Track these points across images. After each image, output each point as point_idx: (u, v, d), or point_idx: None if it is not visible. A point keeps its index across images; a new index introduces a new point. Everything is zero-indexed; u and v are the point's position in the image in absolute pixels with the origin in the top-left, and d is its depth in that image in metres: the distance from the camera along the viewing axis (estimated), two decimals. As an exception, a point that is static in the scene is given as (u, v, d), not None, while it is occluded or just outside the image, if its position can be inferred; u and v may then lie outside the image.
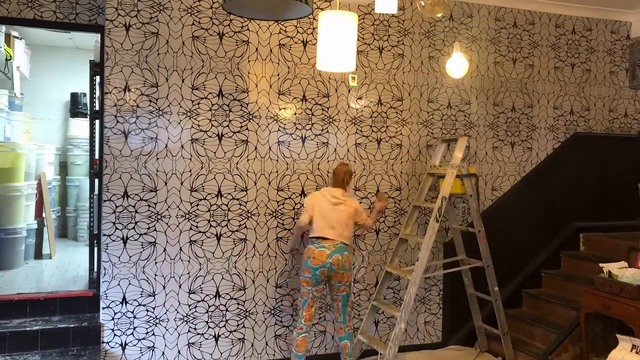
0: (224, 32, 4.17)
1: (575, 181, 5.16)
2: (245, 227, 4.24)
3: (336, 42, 2.29)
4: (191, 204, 4.10)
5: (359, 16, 4.50)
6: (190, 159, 4.10)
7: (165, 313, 4.06)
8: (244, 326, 4.25)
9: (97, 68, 4.57)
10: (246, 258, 4.25)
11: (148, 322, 4.03)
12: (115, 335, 3.96)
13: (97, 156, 4.50)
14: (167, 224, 4.05)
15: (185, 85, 4.09)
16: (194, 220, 4.11)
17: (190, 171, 4.10)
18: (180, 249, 4.08)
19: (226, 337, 4.21)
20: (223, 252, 4.19)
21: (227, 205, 4.19)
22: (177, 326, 4.09)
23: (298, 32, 4.36)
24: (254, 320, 4.28)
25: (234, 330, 4.23)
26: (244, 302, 4.25)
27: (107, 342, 3.95)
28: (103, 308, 3.95)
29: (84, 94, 7.60)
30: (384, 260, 4.59)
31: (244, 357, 4.26)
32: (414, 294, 3.95)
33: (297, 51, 4.35)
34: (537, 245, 5.03)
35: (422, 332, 4.77)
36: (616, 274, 3.66)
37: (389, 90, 4.62)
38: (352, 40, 2.32)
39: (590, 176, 5.21)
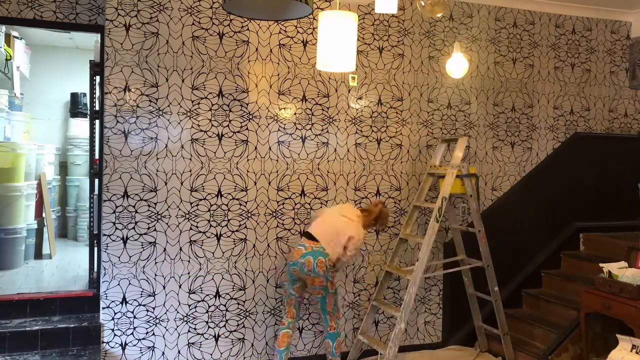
0: (224, 32, 4.17)
1: (575, 181, 5.16)
2: (245, 227, 4.24)
3: (336, 42, 2.29)
4: (191, 204, 4.10)
5: (359, 16, 4.50)
6: (190, 159, 4.10)
7: (165, 313, 4.06)
8: (244, 326, 4.25)
9: (97, 68, 4.57)
10: (246, 258, 4.25)
11: (148, 322, 4.03)
12: (115, 335, 3.96)
13: (97, 156, 4.50)
14: (167, 224, 4.05)
15: (185, 85, 4.09)
16: (194, 220, 4.11)
17: (190, 171, 4.10)
18: (180, 249, 4.08)
19: (226, 337, 4.21)
20: (223, 252, 4.19)
21: (227, 205, 4.19)
22: (177, 326, 4.09)
23: (298, 32, 4.36)
24: (254, 320, 4.28)
25: (234, 330, 4.23)
26: (244, 302, 4.25)
27: (107, 342, 3.95)
28: (103, 308, 3.95)
29: (84, 94, 7.61)
30: (384, 260, 4.59)
31: (244, 357, 4.26)
32: (414, 294, 3.95)
33: (297, 51, 4.35)
34: (537, 245, 5.03)
35: (422, 332, 4.77)
36: (616, 274, 3.66)
37: (389, 90, 4.62)
38: (352, 40, 2.32)
39: (590, 176, 5.21)
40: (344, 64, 2.35)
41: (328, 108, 4.45)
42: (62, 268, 5.57)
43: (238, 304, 4.23)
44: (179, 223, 4.08)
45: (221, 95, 4.17)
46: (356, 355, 4.32)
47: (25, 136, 6.43)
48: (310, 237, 3.86)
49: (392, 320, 4.63)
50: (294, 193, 4.36)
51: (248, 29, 4.23)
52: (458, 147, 4.29)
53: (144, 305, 4.02)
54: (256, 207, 4.26)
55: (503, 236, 4.78)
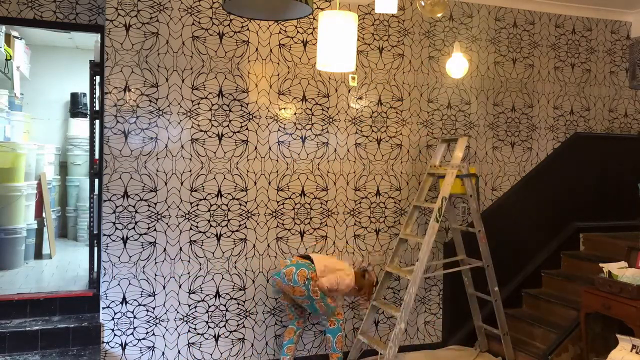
0: (224, 32, 4.17)
1: (575, 181, 5.16)
2: (245, 227, 4.24)
3: (336, 42, 2.29)
4: (191, 204, 4.10)
5: (359, 16, 4.50)
6: (190, 159, 4.10)
7: (165, 313, 4.06)
8: (244, 326, 4.25)
9: (97, 68, 4.57)
10: (246, 258, 4.25)
11: (148, 322, 4.03)
12: (115, 335, 3.96)
13: (97, 156, 4.50)
14: (167, 224, 4.05)
15: (185, 85, 4.09)
16: (194, 220, 4.11)
17: (190, 171, 4.10)
18: (180, 249, 4.08)
19: (226, 337, 4.21)
20: (223, 252, 4.19)
21: (227, 205, 4.19)
22: (177, 326, 4.09)
23: (298, 32, 4.36)
24: (254, 320, 4.28)
25: (234, 330, 4.23)
26: (244, 302, 4.25)
27: (107, 342, 3.95)
28: (103, 308, 3.95)
29: (84, 94, 7.61)
30: (384, 260, 4.59)
31: (244, 357, 4.26)
32: (414, 294, 3.95)
33: (297, 51, 4.35)
34: (537, 245, 5.03)
35: (422, 332, 4.77)
36: (616, 274, 3.66)
37: (389, 90, 4.62)
38: (352, 40, 2.32)
39: (590, 176, 5.21)
40: (344, 64, 2.34)
41: (328, 108, 4.45)
42: (62, 268, 5.57)
43: (238, 304, 4.23)
44: (179, 223, 4.08)
45: (221, 95, 4.17)
46: (356, 355, 4.32)
47: (25, 136, 6.43)
48: (304, 257, 3.98)
49: (392, 320, 4.63)
50: (294, 193, 4.36)
51: (248, 29, 4.23)
52: (458, 147, 4.29)
53: (144, 305, 4.02)
54: (256, 207, 4.26)
55: (503, 236, 4.78)
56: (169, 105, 4.05)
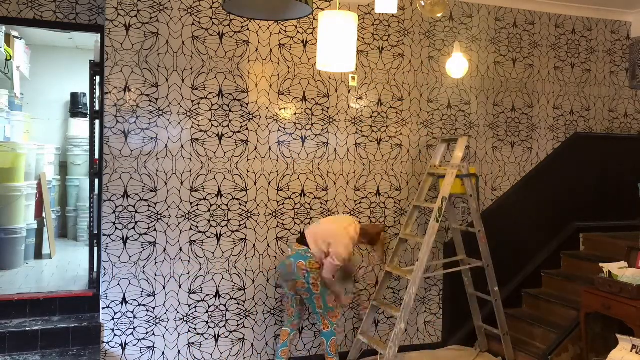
0: (224, 32, 4.17)
1: (575, 181, 5.16)
2: (245, 227, 4.24)
3: (336, 42, 2.29)
4: (191, 204, 4.10)
5: (359, 16, 4.50)
6: (190, 159, 4.10)
7: (165, 313, 4.06)
8: (244, 326, 4.25)
9: (97, 68, 4.57)
10: (246, 258, 4.25)
11: (148, 322, 4.03)
12: (115, 335, 3.96)
13: (97, 156, 4.50)
14: (167, 224, 4.05)
15: (185, 85, 4.09)
16: (194, 220, 4.11)
17: (190, 171, 4.10)
18: (180, 249, 4.08)
19: (226, 337, 4.21)
20: (223, 252, 4.19)
21: (227, 205, 4.19)
22: (177, 326, 4.09)
23: (298, 32, 4.36)
24: (254, 320, 4.28)
25: (234, 330, 4.23)
26: (244, 302, 4.25)
27: (107, 342, 3.95)
28: (103, 308, 3.95)
29: (84, 94, 7.60)
30: (384, 260, 4.59)
31: (244, 357, 4.26)
32: (414, 294, 3.95)
33: (297, 51, 4.35)
34: (537, 245, 5.03)
35: (422, 332, 4.77)
36: (616, 274, 3.66)
37: (389, 90, 4.62)
38: (352, 40, 2.32)
39: (590, 176, 5.21)
40: (344, 64, 2.34)
41: (328, 108, 4.45)
42: (62, 268, 5.57)
43: (238, 304, 4.23)
44: (179, 223, 4.08)
45: (221, 95, 4.17)
46: (356, 355, 4.32)
47: (25, 136, 6.43)
48: (302, 240, 3.91)
49: (392, 320, 4.63)
50: (294, 193, 4.36)
51: (248, 29, 4.23)
52: (458, 147, 4.29)
53: (144, 305, 4.02)
54: (256, 207, 4.26)
55: (503, 236, 4.78)
56: (169, 105, 4.05)
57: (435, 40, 4.76)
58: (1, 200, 5.53)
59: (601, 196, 5.22)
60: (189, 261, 4.10)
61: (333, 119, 4.46)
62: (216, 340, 4.18)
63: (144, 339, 4.02)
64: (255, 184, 4.25)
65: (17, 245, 5.61)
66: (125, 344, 3.99)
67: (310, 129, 4.40)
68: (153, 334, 4.04)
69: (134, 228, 3.99)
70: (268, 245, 4.29)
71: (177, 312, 4.08)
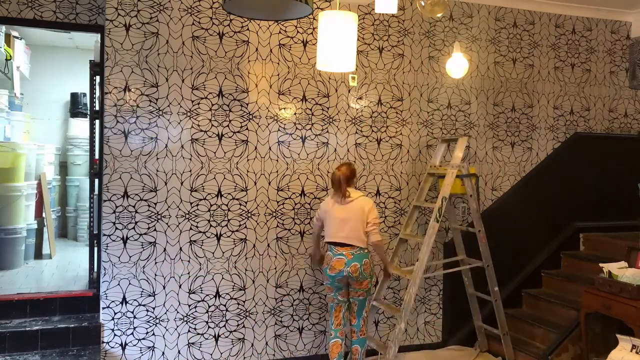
0: (224, 32, 4.17)
1: (575, 181, 5.16)
2: (245, 227, 4.24)
3: (336, 42, 2.29)
4: (191, 204, 4.10)
5: (359, 16, 4.50)
6: (190, 159, 4.10)
7: (165, 313, 4.06)
8: (244, 326, 4.25)
9: (97, 68, 4.57)
10: (246, 258, 4.25)
11: (148, 322, 4.03)
12: (115, 335, 3.96)
13: (97, 156, 4.50)
14: (167, 224, 4.05)
15: (185, 85, 4.09)
16: (194, 220, 4.11)
17: (190, 171, 4.10)
18: (180, 249, 4.08)
19: (226, 337, 4.21)
20: (223, 252, 4.19)
21: (227, 205, 4.19)
22: (177, 326, 4.09)
23: (298, 32, 4.36)
24: (254, 320, 4.28)
25: (234, 330, 4.23)
26: (244, 302, 4.25)
27: (107, 342, 3.95)
28: (103, 308, 3.95)
29: (84, 94, 7.60)
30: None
31: (244, 357, 4.26)
32: (414, 294, 3.95)
33: (297, 51, 4.35)
34: (537, 245, 5.03)
35: (422, 332, 4.77)
36: (616, 274, 3.66)
37: (389, 90, 4.62)
38: (352, 40, 2.32)
39: (590, 176, 5.21)
40: (344, 64, 2.34)
41: (328, 108, 4.45)
42: (62, 268, 5.57)
43: (238, 304, 4.23)
44: (179, 223, 4.08)
45: (221, 95, 4.17)
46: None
47: (25, 136, 6.43)
48: (338, 244, 3.83)
49: (392, 320, 4.63)
50: (294, 193, 4.36)
51: (248, 29, 4.23)
52: (458, 147, 4.29)
53: (144, 305, 4.02)
54: (256, 207, 4.26)
55: (503, 236, 4.78)
56: (169, 105, 4.05)
57: (435, 40, 4.76)
58: (1, 200, 5.53)
59: (601, 196, 5.22)
60: (189, 261, 4.10)
61: (333, 119, 4.46)
62: (216, 340, 4.18)
63: (144, 339, 4.02)
64: (255, 184, 4.25)
65: (17, 245, 5.61)
66: (125, 344, 3.99)
67: (310, 129, 4.40)
68: (153, 334, 4.04)
69: (134, 228, 3.99)
70: (268, 245, 4.29)
71: (177, 312, 4.08)
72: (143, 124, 4.00)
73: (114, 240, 3.95)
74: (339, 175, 3.86)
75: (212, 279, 4.16)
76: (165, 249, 4.05)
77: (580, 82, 5.30)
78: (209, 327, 4.16)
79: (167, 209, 4.05)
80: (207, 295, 4.15)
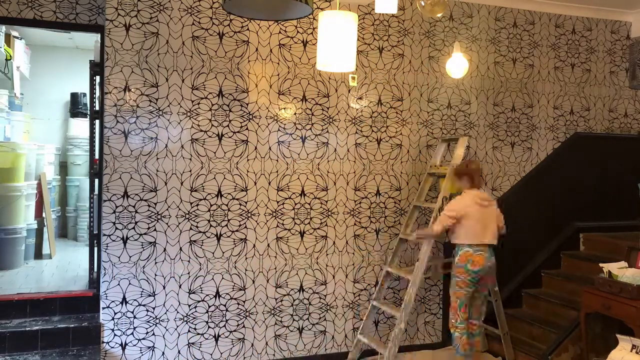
0: (224, 32, 4.17)
1: (575, 181, 5.15)
2: (245, 227, 4.24)
3: (336, 42, 2.29)
4: (191, 204, 4.10)
5: (359, 16, 4.50)
6: (190, 159, 4.10)
7: (165, 313, 4.06)
8: (244, 326, 4.25)
9: (97, 68, 4.57)
10: (246, 258, 4.24)
11: (148, 322, 4.03)
12: (115, 335, 3.96)
13: (97, 156, 4.50)
14: (167, 224, 4.05)
15: (185, 85, 4.09)
16: (194, 220, 4.11)
17: (190, 171, 4.10)
18: (180, 249, 4.08)
19: (226, 337, 4.21)
20: (223, 252, 4.19)
21: (227, 205, 4.19)
22: (177, 326, 4.09)
23: (298, 32, 4.36)
24: (254, 320, 4.28)
25: (234, 330, 4.23)
26: (244, 302, 4.25)
27: (107, 342, 3.95)
28: (103, 308, 3.95)
29: (84, 94, 7.60)
30: (384, 260, 4.59)
31: (244, 357, 4.26)
32: (414, 294, 3.95)
33: (297, 51, 4.35)
34: (537, 245, 5.03)
35: (422, 332, 4.77)
36: (616, 274, 3.66)
37: (389, 90, 4.62)
38: (352, 40, 2.32)
39: (590, 176, 5.21)
40: (344, 64, 2.34)
41: (328, 108, 4.45)
42: (62, 268, 5.57)
43: (238, 304, 4.23)
44: (179, 223, 4.08)
45: (221, 95, 4.17)
46: (356, 355, 4.32)
47: (25, 136, 6.43)
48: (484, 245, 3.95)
49: (392, 320, 4.63)
50: (294, 193, 4.36)
51: (248, 29, 4.23)
52: (458, 146, 4.29)
53: (144, 305, 4.02)
54: (256, 207, 4.26)
55: (503, 236, 4.77)
56: (169, 105, 4.05)
57: (435, 40, 4.76)
58: (1, 200, 5.53)
59: (601, 196, 5.22)
60: (189, 261, 4.10)
61: (333, 119, 4.46)
62: (216, 340, 4.18)
63: (144, 339, 4.02)
64: (255, 184, 4.25)
65: (17, 245, 5.61)
66: (125, 344, 3.99)
67: (310, 129, 4.40)
68: (153, 334, 4.04)
69: (134, 228, 3.99)
70: (268, 245, 4.29)
71: (177, 312, 4.08)
72: (143, 124, 4.00)
73: (114, 240, 3.95)
74: (478, 169, 4.07)
75: (212, 279, 4.16)
76: (165, 249, 4.05)
77: (580, 82, 5.30)
78: (209, 327, 4.16)
79: (167, 209, 4.05)
80: (207, 295, 4.15)
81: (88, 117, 5.57)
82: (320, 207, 4.42)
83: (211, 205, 4.15)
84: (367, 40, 4.55)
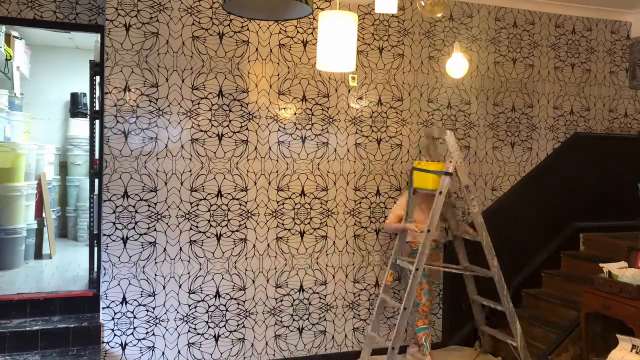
0: (224, 32, 4.17)
1: (575, 181, 5.15)
2: (245, 227, 4.24)
3: (336, 42, 2.29)
4: (191, 204, 4.10)
5: (359, 16, 4.50)
6: (190, 159, 4.10)
7: (165, 313, 4.06)
8: (244, 326, 4.25)
9: (97, 68, 4.57)
10: (246, 258, 4.25)
11: (148, 322, 4.03)
12: (115, 335, 3.96)
13: (97, 156, 4.50)
14: (167, 224, 4.05)
15: (185, 85, 4.09)
16: (194, 220, 4.11)
17: (190, 171, 4.10)
18: (180, 249, 4.08)
19: (226, 337, 4.21)
20: (223, 252, 4.19)
21: (227, 205, 4.19)
22: (177, 326, 4.09)
23: (298, 32, 4.36)
24: (254, 320, 4.28)
25: (234, 330, 4.23)
26: (244, 302, 4.25)
27: (107, 342, 3.95)
28: (103, 308, 3.95)
29: (84, 94, 7.61)
30: (383, 260, 4.59)
31: (244, 357, 4.26)
32: (414, 294, 3.94)
33: (297, 51, 4.35)
34: (537, 245, 5.03)
35: (422, 332, 4.76)
36: (616, 274, 3.66)
37: (389, 90, 4.62)
38: (352, 40, 2.32)
39: (590, 176, 5.21)
40: (344, 64, 2.34)
41: (328, 108, 4.45)
42: (62, 268, 5.57)
43: (238, 304, 4.23)
44: (179, 223, 4.08)
45: (221, 95, 4.17)
46: (368, 353, 4.31)
47: (25, 136, 6.43)
48: None
49: (393, 320, 4.63)
50: (294, 193, 4.36)
51: (248, 29, 4.23)
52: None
53: (144, 305, 4.02)
54: (256, 207, 4.26)
55: (503, 236, 4.77)
56: (169, 105, 4.05)
57: (435, 40, 4.76)
58: (1, 200, 5.53)
59: (601, 196, 5.22)
60: (189, 261, 4.10)
61: (333, 119, 4.46)
62: (216, 340, 4.18)
63: (144, 339, 4.02)
64: (255, 184, 4.25)
65: (17, 245, 5.61)
66: (125, 344, 3.99)
67: (310, 129, 4.40)
68: (153, 334, 4.04)
69: (134, 228, 3.99)
70: (268, 245, 4.29)
71: (177, 312, 4.08)
72: (143, 124, 4.00)
73: (114, 240, 3.95)
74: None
75: (212, 279, 4.16)
76: (165, 249, 4.05)
77: (580, 82, 5.30)
78: (209, 327, 4.16)
79: (167, 209, 4.05)
80: (207, 295, 4.15)
81: (88, 117, 5.57)
82: (320, 207, 4.42)
83: (211, 205, 4.15)
84: (367, 40, 4.55)
